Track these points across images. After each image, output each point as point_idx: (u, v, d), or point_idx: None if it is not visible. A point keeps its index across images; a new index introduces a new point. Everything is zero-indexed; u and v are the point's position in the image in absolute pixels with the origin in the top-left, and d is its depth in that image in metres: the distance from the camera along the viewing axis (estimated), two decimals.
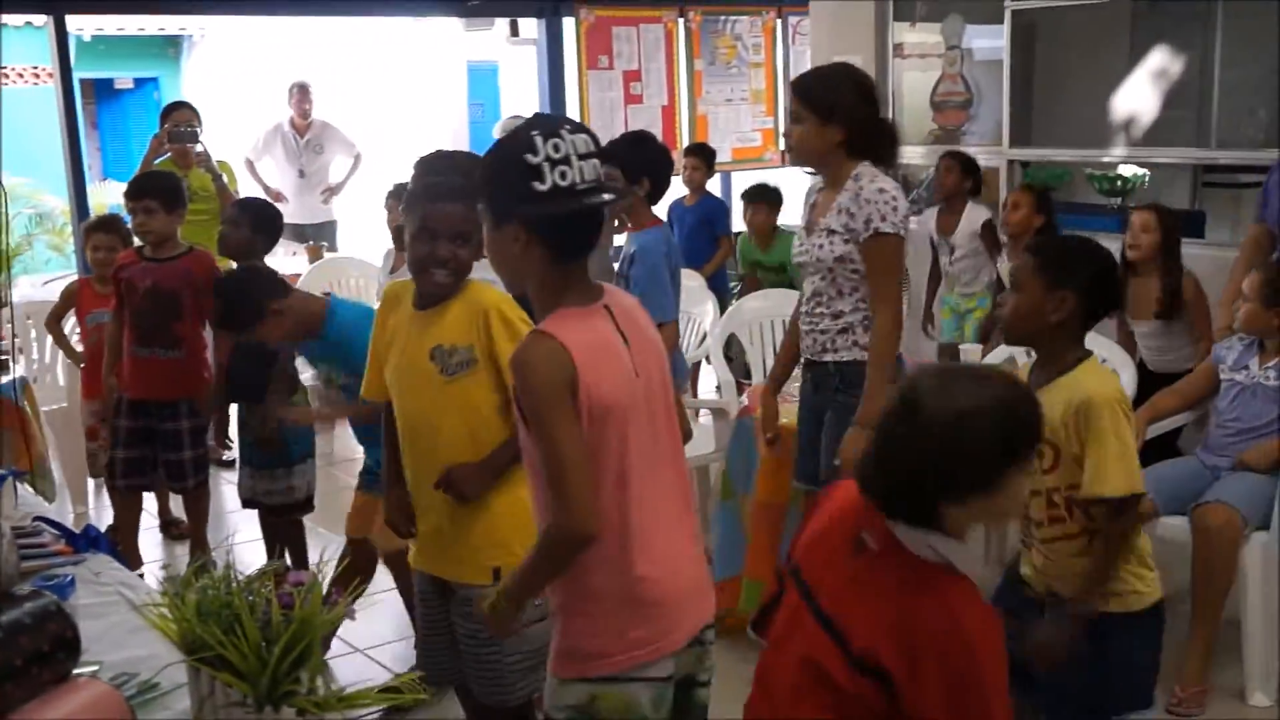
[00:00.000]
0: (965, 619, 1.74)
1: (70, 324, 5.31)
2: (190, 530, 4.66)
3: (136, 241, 4.60)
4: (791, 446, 3.60)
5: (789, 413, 3.69)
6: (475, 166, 3.24)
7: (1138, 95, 5.92)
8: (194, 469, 4.43)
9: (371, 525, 3.65)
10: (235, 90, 12.38)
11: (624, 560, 2.05)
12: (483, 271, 2.68)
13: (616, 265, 4.16)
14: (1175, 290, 4.49)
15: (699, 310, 5.75)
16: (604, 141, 2.29)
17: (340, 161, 8.20)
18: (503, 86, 13.46)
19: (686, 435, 3.68)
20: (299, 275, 6.51)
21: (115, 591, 2.44)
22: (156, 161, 6.00)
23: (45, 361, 5.78)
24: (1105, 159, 6.00)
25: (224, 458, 5.83)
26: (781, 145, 8.18)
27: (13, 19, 9.76)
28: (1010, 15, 5.98)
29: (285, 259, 7.00)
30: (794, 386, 3.66)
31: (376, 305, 2.95)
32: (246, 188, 7.11)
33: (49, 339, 5.46)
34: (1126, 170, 5.92)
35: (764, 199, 6.41)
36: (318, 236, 7.75)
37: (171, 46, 14.94)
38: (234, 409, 4.39)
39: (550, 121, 2.04)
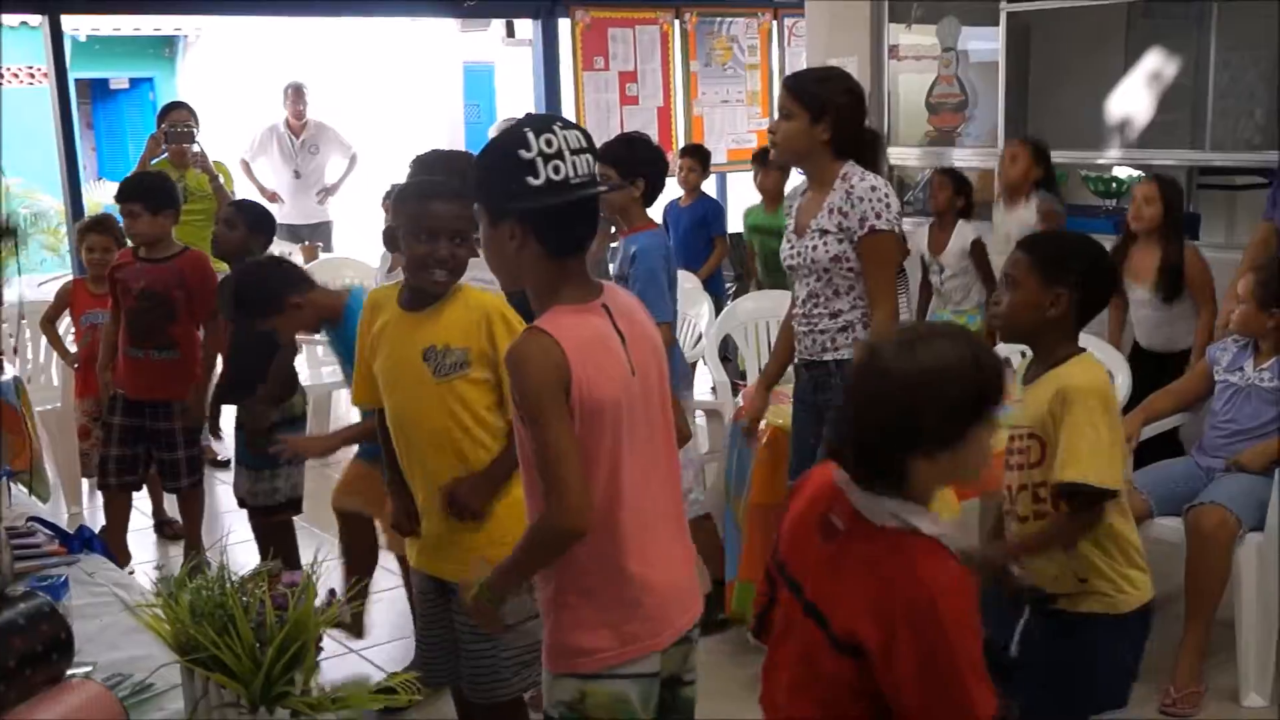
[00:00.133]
0: (930, 578, 1.74)
1: (65, 325, 5.30)
2: (184, 530, 4.66)
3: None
4: (785, 447, 3.60)
5: (783, 414, 3.69)
6: (470, 166, 3.25)
7: (1133, 97, 5.93)
8: (188, 469, 4.42)
9: (360, 498, 3.63)
10: (230, 90, 12.36)
11: (617, 557, 2.07)
12: (473, 271, 2.68)
13: (613, 268, 4.15)
14: (1177, 264, 4.49)
15: (694, 312, 5.76)
16: (599, 143, 2.30)
17: (336, 162, 8.20)
18: (499, 88, 13.46)
19: (685, 437, 3.70)
20: None
21: (109, 592, 2.44)
22: (153, 162, 6.00)
23: (40, 362, 5.77)
24: (1100, 161, 6.01)
25: (219, 457, 5.84)
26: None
27: (8, 19, 9.74)
28: (1005, 17, 5.98)
29: None
30: (788, 386, 3.67)
31: None
32: (242, 188, 7.11)
33: (43, 339, 5.46)
34: (1122, 172, 5.93)
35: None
36: (313, 237, 7.74)
37: (167, 47, 14.91)
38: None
39: (542, 118, 2.06)
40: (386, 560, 3.96)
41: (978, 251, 5.41)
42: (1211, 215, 5.88)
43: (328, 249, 7.85)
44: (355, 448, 3.71)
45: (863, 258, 3.22)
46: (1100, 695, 2.58)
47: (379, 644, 4.07)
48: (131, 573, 3.69)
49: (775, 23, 8.82)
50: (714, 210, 6.83)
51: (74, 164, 6.90)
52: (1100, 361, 2.68)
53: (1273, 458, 3.62)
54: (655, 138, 6.05)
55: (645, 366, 2.12)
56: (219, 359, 4.47)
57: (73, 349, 5.21)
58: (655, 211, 4.29)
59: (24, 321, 5.71)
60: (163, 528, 5.20)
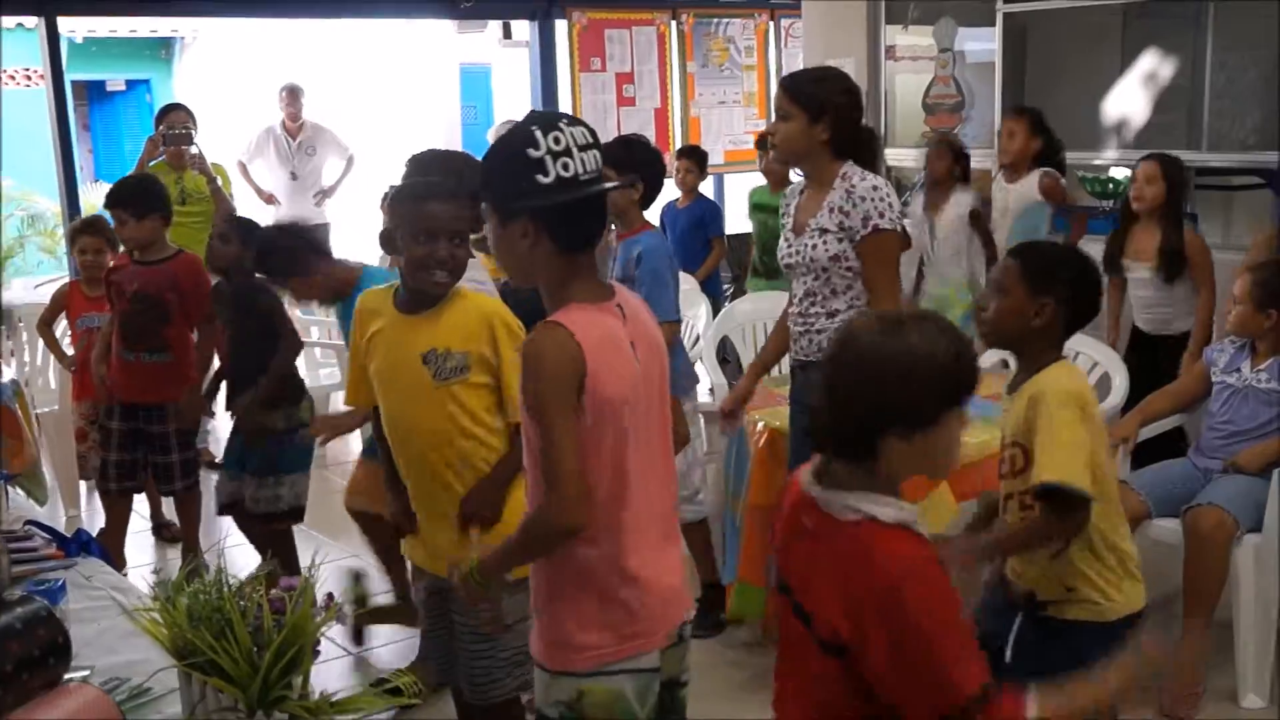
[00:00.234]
0: (889, 564, 1.74)
1: (61, 327, 5.29)
2: (182, 533, 4.66)
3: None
4: (783, 448, 3.60)
5: (781, 416, 3.69)
6: (468, 166, 3.26)
7: (1129, 97, 5.94)
8: (182, 472, 4.42)
9: (367, 497, 3.65)
10: (227, 92, 12.35)
11: (618, 555, 2.07)
12: (471, 272, 2.68)
13: (613, 269, 4.14)
14: (1178, 246, 4.49)
15: (692, 313, 5.75)
16: None
17: (333, 164, 8.18)
18: (495, 89, 13.45)
19: (685, 439, 3.70)
20: None
21: (107, 596, 2.44)
22: (151, 164, 5.99)
23: (37, 364, 5.76)
24: (1097, 161, 6.01)
25: (215, 460, 5.83)
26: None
27: (4, 21, 9.72)
28: (1002, 18, 5.99)
29: None
30: (785, 388, 3.66)
31: None
32: (239, 190, 7.10)
33: (40, 342, 5.45)
34: (1118, 172, 5.93)
35: None
36: None
37: (163, 48, 14.89)
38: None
39: (548, 116, 2.07)
40: None
41: (976, 220, 5.35)
42: (1208, 215, 5.87)
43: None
44: (360, 449, 3.73)
45: (866, 257, 3.22)
46: None
47: (378, 645, 4.07)
48: (125, 575, 3.69)
49: (772, 24, 8.83)
50: (711, 211, 6.82)
51: (70, 166, 6.88)
52: (1079, 368, 2.69)
53: (1270, 459, 3.62)
54: (652, 139, 6.06)
55: (649, 368, 2.13)
56: (213, 362, 4.46)
57: (69, 352, 5.20)
58: (652, 213, 4.29)
59: (21, 324, 5.70)
60: (160, 530, 5.20)
